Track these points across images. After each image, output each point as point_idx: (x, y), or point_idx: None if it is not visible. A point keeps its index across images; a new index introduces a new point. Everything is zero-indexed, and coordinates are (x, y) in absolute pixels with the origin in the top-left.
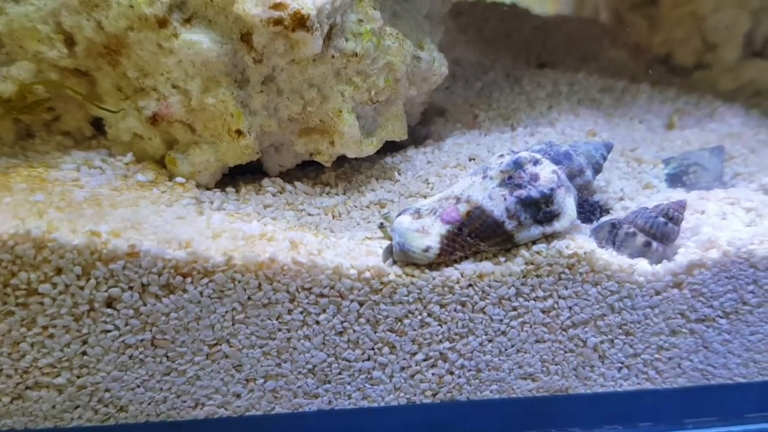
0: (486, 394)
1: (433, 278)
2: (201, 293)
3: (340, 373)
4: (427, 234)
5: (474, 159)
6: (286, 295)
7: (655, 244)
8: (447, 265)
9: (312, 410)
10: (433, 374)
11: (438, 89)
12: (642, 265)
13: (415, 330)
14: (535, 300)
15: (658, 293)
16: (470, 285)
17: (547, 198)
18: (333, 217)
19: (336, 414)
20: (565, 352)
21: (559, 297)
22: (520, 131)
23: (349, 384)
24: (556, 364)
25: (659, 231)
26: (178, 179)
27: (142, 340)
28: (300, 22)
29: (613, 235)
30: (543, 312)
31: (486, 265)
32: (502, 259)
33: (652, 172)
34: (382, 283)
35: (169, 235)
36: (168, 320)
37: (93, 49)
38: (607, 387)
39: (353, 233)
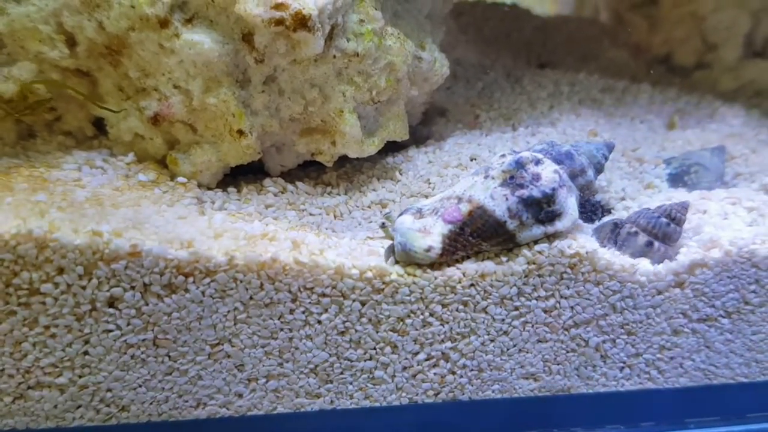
0: (488, 393)
1: (435, 278)
2: (203, 293)
3: (342, 373)
4: (429, 234)
5: (475, 159)
6: (288, 294)
7: (657, 244)
8: (449, 265)
9: (314, 410)
10: (435, 374)
11: (439, 89)
12: (644, 264)
13: (417, 330)
14: (537, 299)
15: (660, 293)
16: (472, 285)
17: (549, 198)
18: (335, 216)
19: (338, 414)
20: (567, 352)
21: (561, 297)
22: (522, 131)
23: (351, 384)
24: (558, 364)
25: (661, 231)
26: (180, 179)
27: (144, 340)
28: (301, 22)
29: (615, 235)
30: (545, 312)
31: (488, 265)
32: (504, 259)
33: (653, 172)
34: (384, 282)
35: (171, 234)
36: (170, 320)
37: (94, 49)
38: (609, 387)
39: (355, 233)
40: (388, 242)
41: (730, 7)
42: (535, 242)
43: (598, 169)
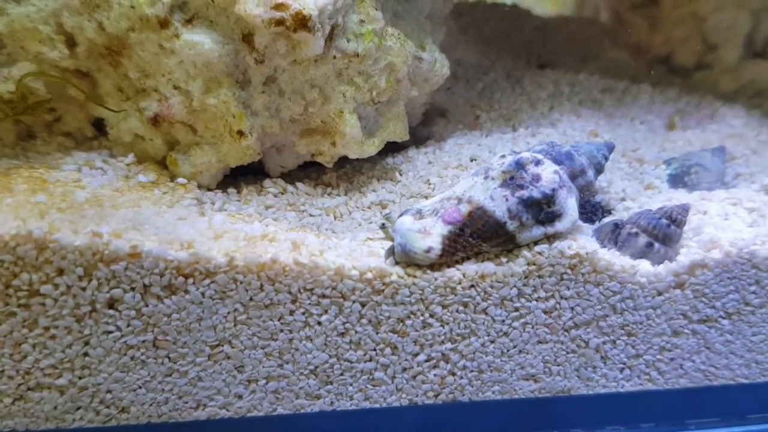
0: (488, 395)
1: (435, 279)
2: (203, 294)
3: (342, 374)
4: (429, 235)
5: (475, 159)
6: (288, 296)
7: (657, 245)
8: (449, 266)
9: (314, 411)
10: (435, 375)
11: (439, 90)
12: (644, 265)
13: (417, 331)
14: (537, 300)
15: (660, 294)
16: (472, 286)
17: (549, 198)
18: (335, 217)
19: (338, 415)
20: (567, 353)
21: (561, 297)
22: (522, 132)
23: (351, 385)
24: (558, 365)
25: (662, 232)
26: (180, 180)
27: (143, 341)
28: (301, 22)
29: (615, 236)
30: (545, 313)
31: (488, 266)
32: (504, 260)
33: (653, 172)
34: (384, 283)
35: (171, 236)
36: (170, 321)
37: (94, 49)
38: (609, 388)
39: (355, 234)
40: (388, 243)
41: (730, 7)
42: (535, 243)
43: (599, 170)
